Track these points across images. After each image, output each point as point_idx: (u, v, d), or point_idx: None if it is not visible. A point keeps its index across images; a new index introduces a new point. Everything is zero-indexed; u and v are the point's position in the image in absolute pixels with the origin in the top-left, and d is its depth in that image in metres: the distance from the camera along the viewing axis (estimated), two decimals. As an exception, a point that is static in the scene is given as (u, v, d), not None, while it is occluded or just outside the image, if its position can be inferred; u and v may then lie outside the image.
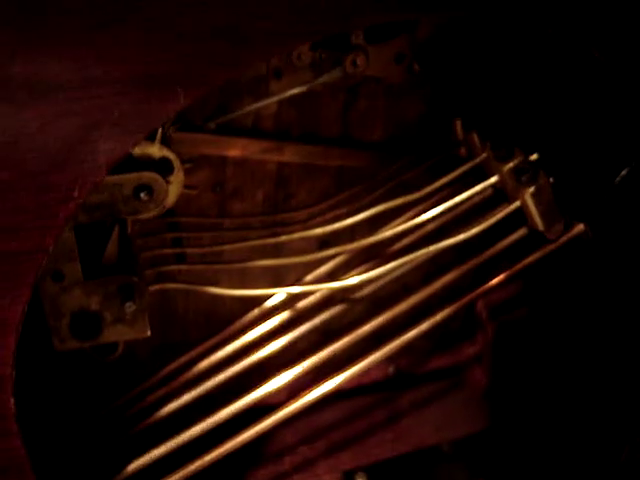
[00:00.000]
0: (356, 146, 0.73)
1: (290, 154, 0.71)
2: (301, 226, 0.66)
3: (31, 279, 0.44)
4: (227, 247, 0.66)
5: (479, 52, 0.69)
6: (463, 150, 0.68)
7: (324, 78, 0.66)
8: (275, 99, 0.67)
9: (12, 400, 0.48)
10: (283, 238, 0.64)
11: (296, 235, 0.64)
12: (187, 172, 0.68)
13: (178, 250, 0.65)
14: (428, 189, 0.64)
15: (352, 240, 0.64)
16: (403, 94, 0.72)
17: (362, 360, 0.65)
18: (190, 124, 0.67)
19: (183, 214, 0.69)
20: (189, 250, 0.66)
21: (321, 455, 0.92)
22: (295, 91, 0.67)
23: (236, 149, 0.69)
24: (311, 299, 0.70)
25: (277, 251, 0.73)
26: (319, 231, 0.64)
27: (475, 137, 0.66)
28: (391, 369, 0.95)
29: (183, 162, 0.57)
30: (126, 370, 0.75)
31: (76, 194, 0.42)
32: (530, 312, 0.93)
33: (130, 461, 0.64)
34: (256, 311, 0.74)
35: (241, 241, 0.64)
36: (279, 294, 0.72)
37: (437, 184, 0.64)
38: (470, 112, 0.69)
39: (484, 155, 0.64)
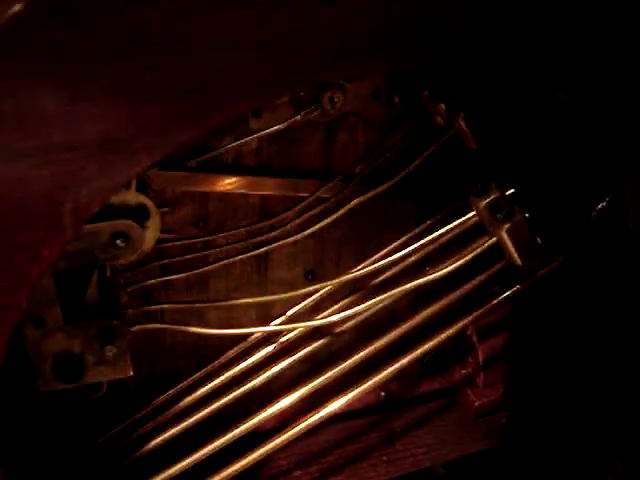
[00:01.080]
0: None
1: (272, 188, 0.72)
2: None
3: (5, 335, 0.45)
4: (212, 267, 0.67)
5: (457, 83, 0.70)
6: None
7: (302, 115, 0.67)
8: (255, 136, 0.68)
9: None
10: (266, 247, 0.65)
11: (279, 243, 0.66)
12: (169, 210, 0.69)
13: (162, 279, 0.66)
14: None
15: (337, 274, 0.66)
16: (383, 126, 0.73)
17: (353, 389, 0.65)
18: (172, 163, 0.68)
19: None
20: (174, 277, 0.67)
21: (313, 477, 0.92)
22: (275, 128, 0.68)
23: (218, 185, 0.70)
24: (299, 331, 0.71)
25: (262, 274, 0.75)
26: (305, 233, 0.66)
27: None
28: (382, 393, 0.95)
29: (160, 206, 0.58)
30: (116, 402, 0.75)
31: (46, 253, 0.43)
32: (519, 332, 0.93)
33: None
34: (243, 344, 0.75)
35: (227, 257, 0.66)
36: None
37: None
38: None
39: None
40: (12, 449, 0.58)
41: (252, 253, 0.69)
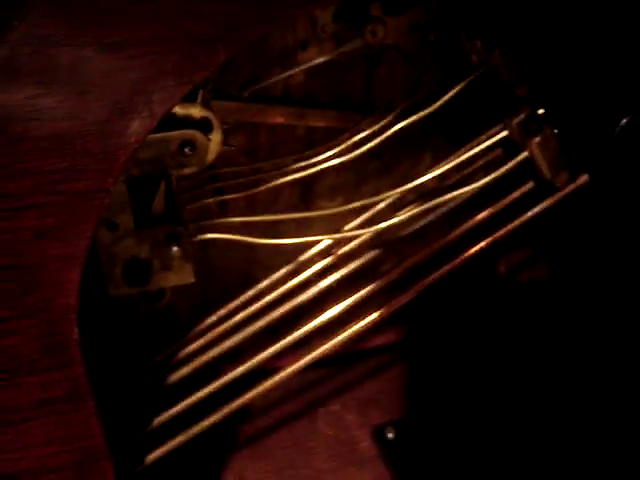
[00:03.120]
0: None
1: (317, 119, 0.77)
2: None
3: (94, 217, 0.51)
4: (262, 188, 0.72)
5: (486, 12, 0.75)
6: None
7: (346, 47, 0.72)
8: (302, 68, 0.73)
9: (76, 330, 0.54)
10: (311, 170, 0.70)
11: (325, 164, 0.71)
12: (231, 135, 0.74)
13: (220, 198, 0.71)
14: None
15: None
16: (421, 61, 0.78)
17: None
18: (225, 93, 0.73)
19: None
20: (227, 197, 0.72)
21: (352, 412, 0.96)
22: (320, 60, 0.73)
23: (267, 116, 0.76)
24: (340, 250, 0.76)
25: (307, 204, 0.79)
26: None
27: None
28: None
29: (222, 123, 0.64)
30: (170, 327, 0.81)
31: (133, 140, 0.49)
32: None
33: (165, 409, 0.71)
34: (290, 266, 0.80)
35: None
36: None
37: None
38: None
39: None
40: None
41: (295, 176, 0.73)
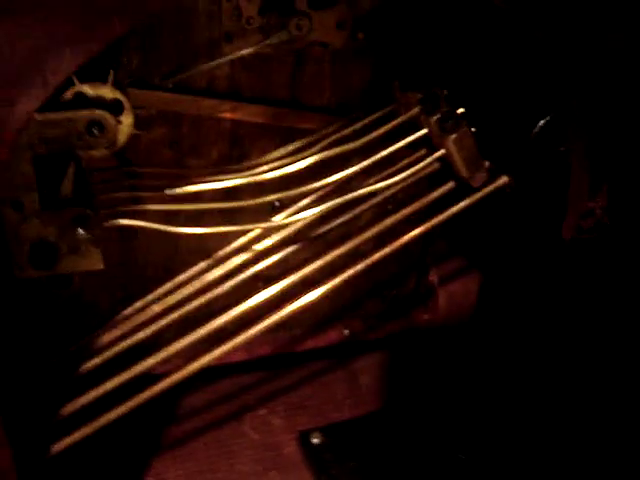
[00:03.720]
0: (305, 109, 0.79)
1: (243, 114, 0.77)
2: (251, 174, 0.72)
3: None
4: (182, 190, 0.71)
5: (415, 19, 0.76)
6: (401, 108, 0.74)
7: (271, 40, 0.72)
8: (226, 59, 0.73)
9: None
10: (236, 182, 0.70)
11: (246, 180, 0.70)
12: (145, 127, 0.74)
13: (135, 193, 0.70)
14: (364, 139, 0.70)
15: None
16: (348, 60, 0.78)
17: (321, 285, 0.69)
18: (148, 83, 0.73)
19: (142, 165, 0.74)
20: (144, 194, 0.71)
21: (280, 417, 0.96)
22: (245, 52, 0.73)
23: (192, 107, 0.75)
24: (259, 246, 0.76)
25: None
26: (266, 177, 0.70)
27: (410, 96, 0.72)
28: (346, 332, 0.99)
29: (135, 107, 0.63)
30: (88, 321, 0.79)
31: (26, 108, 0.48)
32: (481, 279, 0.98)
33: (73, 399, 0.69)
34: (210, 260, 0.79)
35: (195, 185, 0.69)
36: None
37: (372, 135, 0.70)
38: (407, 73, 0.75)
39: (415, 110, 0.70)
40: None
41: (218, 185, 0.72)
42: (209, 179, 0.74)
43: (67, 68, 0.48)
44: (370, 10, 0.76)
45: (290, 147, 0.75)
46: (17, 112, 0.48)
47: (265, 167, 0.72)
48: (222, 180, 0.74)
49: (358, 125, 0.74)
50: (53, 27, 0.47)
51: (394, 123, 0.69)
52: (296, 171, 0.71)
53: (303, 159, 0.70)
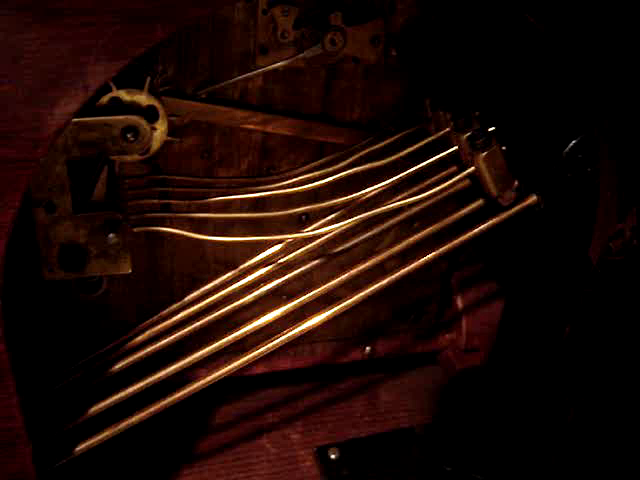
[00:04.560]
0: (335, 123, 0.79)
1: (274, 126, 0.78)
2: (280, 186, 0.73)
3: (22, 186, 0.51)
4: (211, 200, 0.72)
5: (448, 37, 0.76)
6: (432, 126, 0.74)
7: (305, 54, 0.73)
8: (260, 71, 0.74)
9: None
10: (264, 194, 0.70)
11: (274, 192, 0.71)
12: (179, 135, 0.75)
13: (165, 201, 0.71)
14: (393, 157, 0.70)
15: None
16: (381, 76, 0.79)
17: (334, 306, 0.69)
18: (182, 92, 0.74)
19: (172, 174, 0.75)
20: (175, 202, 0.72)
21: (298, 432, 0.96)
22: (278, 65, 0.74)
23: (224, 118, 0.76)
24: (285, 258, 0.76)
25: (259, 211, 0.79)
26: (294, 190, 0.70)
27: (441, 114, 0.72)
28: (367, 349, 0.99)
29: (169, 115, 0.64)
30: (114, 326, 0.80)
31: (65, 111, 0.49)
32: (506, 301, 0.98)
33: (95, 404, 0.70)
34: (236, 271, 0.80)
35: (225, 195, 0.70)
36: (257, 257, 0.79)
37: (402, 153, 0.70)
38: (439, 91, 0.75)
39: (447, 129, 0.70)
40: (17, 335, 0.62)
41: (247, 196, 0.73)
42: (238, 190, 0.75)
43: (107, 72, 0.49)
44: (404, 27, 0.76)
45: (320, 161, 0.75)
46: (56, 113, 0.49)
47: (294, 179, 0.72)
48: (251, 192, 0.75)
49: (388, 141, 0.74)
50: (96, 31, 0.47)
51: (425, 141, 0.69)
52: (324, 184, 0.71)
53: (331, 174, 0.70)
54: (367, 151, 0.73)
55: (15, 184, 0.50)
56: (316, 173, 0.72)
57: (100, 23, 0.47)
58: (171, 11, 0.48)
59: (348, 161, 0.72)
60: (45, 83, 0.48)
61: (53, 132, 0.49)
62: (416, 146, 0.70)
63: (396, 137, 0.73)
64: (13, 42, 0.47)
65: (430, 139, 0.70)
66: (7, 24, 0.46)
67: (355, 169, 0.70)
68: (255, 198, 0.76)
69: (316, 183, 0.70)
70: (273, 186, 0.74)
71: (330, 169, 0.72)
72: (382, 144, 0.74)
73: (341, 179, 0.70)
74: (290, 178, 0.73)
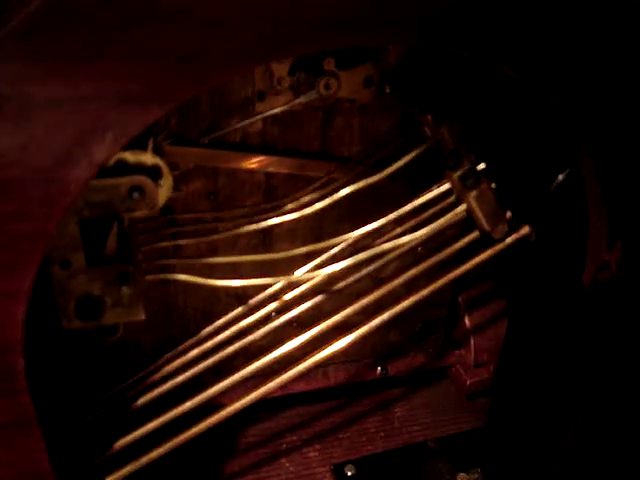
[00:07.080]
0: (334, 159, 0.83)
1: (274, 166, 0.81)
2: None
3: (38, 258, 0.54)
4: (220, 236, 0.75)
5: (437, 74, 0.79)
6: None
7: (301, 99, 0.76)
8: (259, 117, 0.77)
9: (21, 361, 0.58)
10: (269, 222, 0.74)
11: (280, 219, 0.74)
12: (183, 181, 0.78)
13: (175, 242, 0.74)
14: (390, 169, 0.73)
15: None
16: (376, 112, 0.82)
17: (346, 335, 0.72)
18: (186, 139, 0.78)
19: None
20: (184, 242, 0.75)
21: (315, 450, 0.99)
22: (277, 110, 0.77)
23: (227, 162, 0.79)
24: (294, 293, 0.80)
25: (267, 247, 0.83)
26: (299, 214, 0.74)
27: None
28: (379, 370, 1.03)
29: (172, 170, 0.67)
30: (132, 361, 0.84)
31: (74, 187, 0.53)
32: (511, 318, 1.01)
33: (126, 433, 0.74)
34: (247, 306, 0.83)
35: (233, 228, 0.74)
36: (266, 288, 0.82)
37: (397, 165, 0.73)
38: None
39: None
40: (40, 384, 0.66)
41: (254, 227, 0.77)
42: (243, 221, 0.79)
43: (110, 149, 0.53)
44: (396, 64, 0.79)
45: (320, 181, 0.78)
46: (66, 191, 0.53)
47: (294, 204, 0.75)
48: (256, 221, 0.78)
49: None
50: (94, 115, 0.51)
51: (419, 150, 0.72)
52: (327, 205, 0.74)
53: (331, 193, 0.74)
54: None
55: (31, 255, 0.54)
56: (317, 194, 0.75)
57: (99, 108, 0.51)
58: (167, 92, 0.51)
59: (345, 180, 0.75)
60: (54, 164, 0.52)
61: (64, 207, 0.53)
62: (410, 156, 0.73)
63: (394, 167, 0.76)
64: (22, 128, 0.50)
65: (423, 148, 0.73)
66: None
67: (353, 186, 0.72)
68: (260, 228, 0.78)
69: (318, 205, 0.73)
70: (276, 212, 0.77)
71: (329, 188, 0.75)
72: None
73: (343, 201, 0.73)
74: (291, 203, 0.76)
